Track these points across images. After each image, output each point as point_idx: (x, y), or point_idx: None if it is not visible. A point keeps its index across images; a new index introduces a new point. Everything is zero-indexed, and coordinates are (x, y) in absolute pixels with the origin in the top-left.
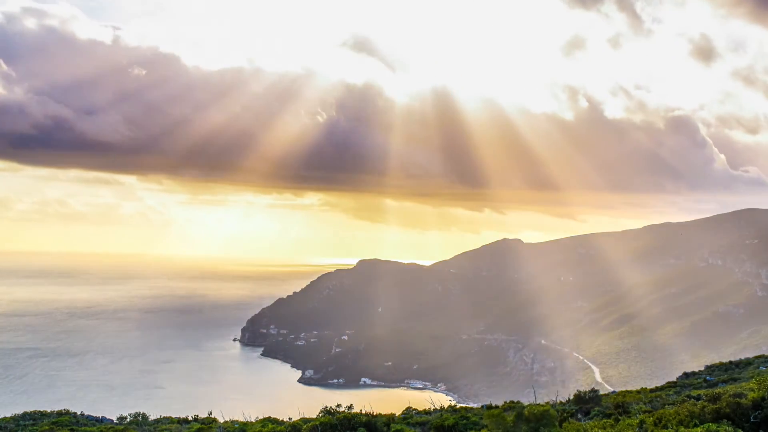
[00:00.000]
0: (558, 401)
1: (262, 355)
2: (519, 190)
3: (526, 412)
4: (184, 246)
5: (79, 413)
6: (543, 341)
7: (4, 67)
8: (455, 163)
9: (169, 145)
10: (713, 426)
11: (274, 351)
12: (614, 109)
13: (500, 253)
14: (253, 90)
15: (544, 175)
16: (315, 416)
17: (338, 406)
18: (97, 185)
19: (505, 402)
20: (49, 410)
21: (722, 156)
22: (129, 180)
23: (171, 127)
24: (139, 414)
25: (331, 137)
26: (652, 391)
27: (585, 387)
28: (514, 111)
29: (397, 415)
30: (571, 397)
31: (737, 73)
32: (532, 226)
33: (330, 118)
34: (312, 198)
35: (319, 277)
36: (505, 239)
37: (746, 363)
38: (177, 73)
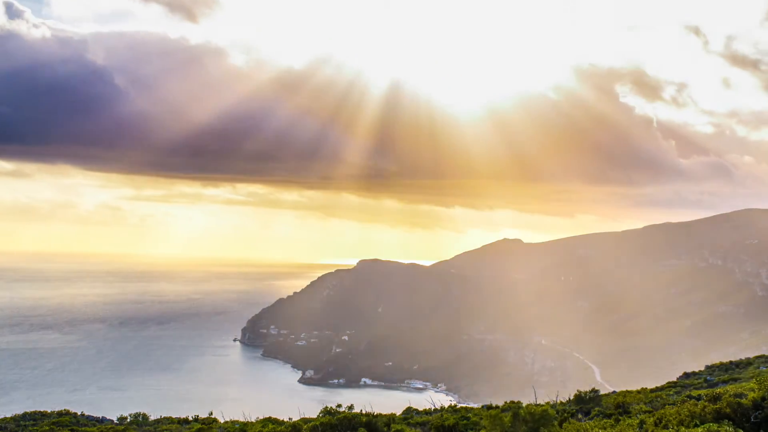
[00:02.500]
0: (558, 401)
1: (262, 355)
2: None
3: (522, 412)
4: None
5: (79, 413)
6: (543, 341)
7: None
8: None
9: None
10: (714, 426)
11: (274, 351)
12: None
13: (500, 253)
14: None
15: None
16: (315, 416)
17: (338, 406)
18: None
19: (505, 402)
20: (49, 410)
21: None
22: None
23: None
24: (139, 414)
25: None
26: (652, 391)
27: (585, 387)
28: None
29: (397, 415)
30: (571, 397)
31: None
32: (522, 225)
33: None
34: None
35: (319, 277)
36: (505, 239)
37: (746, 363)
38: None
